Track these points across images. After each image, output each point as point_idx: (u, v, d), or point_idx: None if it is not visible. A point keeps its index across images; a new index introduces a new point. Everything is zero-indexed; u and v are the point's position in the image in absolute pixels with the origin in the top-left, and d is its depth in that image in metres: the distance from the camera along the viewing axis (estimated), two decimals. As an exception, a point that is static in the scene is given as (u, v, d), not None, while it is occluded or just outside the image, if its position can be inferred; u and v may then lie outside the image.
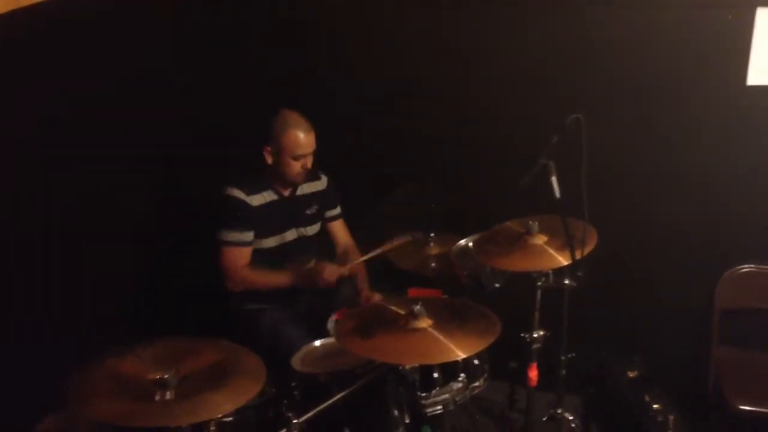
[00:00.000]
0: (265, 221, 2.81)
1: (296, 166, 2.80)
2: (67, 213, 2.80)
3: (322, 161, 2.95)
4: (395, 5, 3.22)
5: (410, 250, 3.08)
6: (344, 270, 2.86)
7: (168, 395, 1.81)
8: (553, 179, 2.28)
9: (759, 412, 2.67)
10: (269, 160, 2.80)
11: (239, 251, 2.77)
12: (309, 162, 2.82)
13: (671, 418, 2.75)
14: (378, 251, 2.92)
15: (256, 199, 2.80)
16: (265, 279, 2.81)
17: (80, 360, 1.90)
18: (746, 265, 3.05)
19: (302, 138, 2.76)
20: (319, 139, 2.85)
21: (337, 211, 3.10)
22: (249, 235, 2.78)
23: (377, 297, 2.90)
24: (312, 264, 2.92)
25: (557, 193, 2.29)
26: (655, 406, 2.84)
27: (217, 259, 2.78)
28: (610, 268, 2.95)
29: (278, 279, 2.81)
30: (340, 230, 3.11)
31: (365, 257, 2.94)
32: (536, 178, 2.27)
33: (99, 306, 2.95)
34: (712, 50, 2.89)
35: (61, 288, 2.76)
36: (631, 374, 3.02)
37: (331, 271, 2.80)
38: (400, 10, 3.22)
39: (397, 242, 2.94)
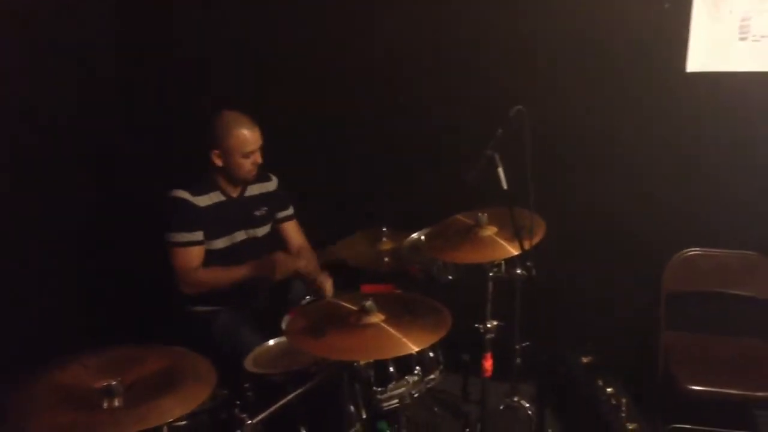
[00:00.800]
0: (212, 222, 2.76)
1: (247, 164, 2.76)
2: (7, 218, 2.73)
3: (272, 162, 2.92)
4: (340, 2, 3.21)
5: (362, 246, 3.08)
6: (300, 262, 2.82)
7: (116, 403, 1.78)
8: (500, 171, 2.29)
9: (708, 391, 2.73)
10: (218, 162, 2.75)
11: (190, 251, 2.72)
12: (258, 157, 2.79)
13: (624, 401, 2.80)
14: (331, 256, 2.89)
15: (203, 200, 2.75)
16: (219, 276, 2.74)
17: (21, 372, 1.85)
18: (692, 249, 3.12)
19: (248, 135, 2.73)
20: (268, 139, 2.82)
21: (290, 211, 3.07)
22: (198, 235, 2.73)
23: (329, 282, 2.88)
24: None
25: (504, 184, 2.31)
26: (608, 390, 2.90)
27: (169, 262, 2.72)
28: (560, 256, 2.98)
29: (233, 274, 2.74)
30: (292, 231, 3.07)
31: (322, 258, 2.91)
32: (483, 170, 2.28)
33: (41, 314, 2.88)
34: (651, 38, 2.94)
35: (4, 295, 2.69)
36: (584, 360, 3.08)
37: (284, 261, 2.75)
38: (345, 7, 3.21)
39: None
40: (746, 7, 2.82)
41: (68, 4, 3.06)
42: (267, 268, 2.73)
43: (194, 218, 2.72)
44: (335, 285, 2.93)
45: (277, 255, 2.77)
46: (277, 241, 3.03)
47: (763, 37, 2.84)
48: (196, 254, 2.74)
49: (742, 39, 2.87)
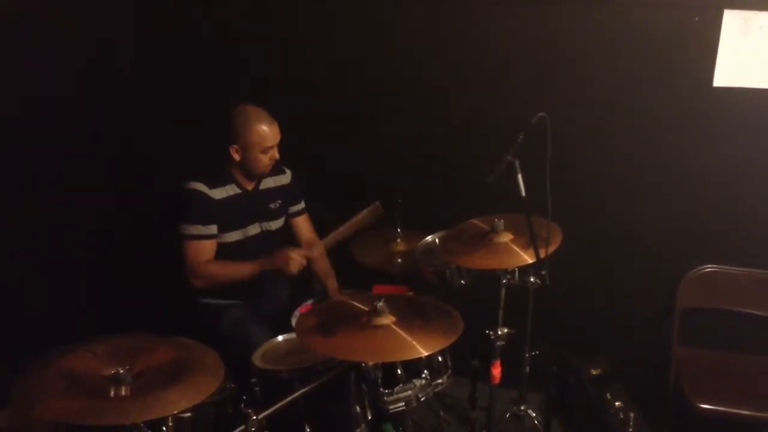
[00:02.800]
0: (227, 215, 2.76)
1: (265, 159, 2.76)
2: (25, 207, 2.75)
3: (289, 158, 2.92)
4: (365, 5, 3.21)
5: (376, 246, 3.07)
6: (312, 253, 2.79)
7: (123, 392, 1.79)
8: (519, 177, 2.29)
9: (718, 410, 2.70)
10: (237, 157, 2.74)
11: (202, 245, 2.72)
12: (276, 153, 2.78)
13: (632, 415, 2.78)
14: (346, 227, 2.80)
15: (218, 193, 2.75)
16: (229, 271, 2.73)
17: (33, 357, 1.86)
18: (708, 266, 3.08)
19: (268, 130, 2.72)
20: (286, 136, 2.81)
21: (301, 206, 3.06)
22: (212, 229, 2.73)
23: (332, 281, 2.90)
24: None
25: (523, 191, 2.30)
26: (616, 403, 2.88)
27: (180, 254, 2.72)
28: (575, 266, 2.96)
29: (243, 269, 2.73)
30: (303, 225, 3.06)
31: (334, 235, 2.82)
32: (502, 175, 2.27)
33: (53, 301, 2.90)
34: (679, 52, 2.91)
35: (18, 283, 2.71)
36: (593, 372, 3.06)
37: (298, 252, 2.73)
38: (370, 10, 3.21)
39: (362, 216, 2.83)
40: (777, 23, 2.79)
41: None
42: (278, 263, 2.71)
43: (209, 211, 2.72)
44: (348, 284, 2.93)
45: (288, 249, 2.76)
46: (291, 236, 3.02)
47: (792, 54, 2.81)
48: (208, 248, 2.74)
49: (772, 56, 2.84)
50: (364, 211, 2.82)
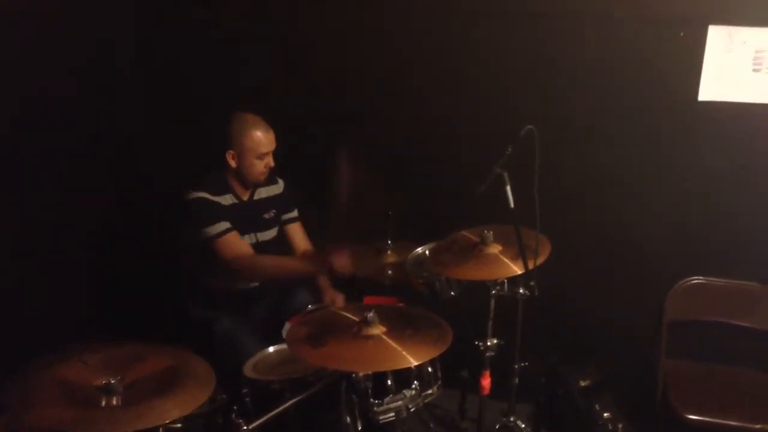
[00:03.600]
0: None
1: (260, 166, 2.80)
2: (22, 208, 2.75)
3: (281, 168, 2.94)
4: (357, 18, 3.23)
5: (367, 257, 3.08)
6: (339, 302, 2.90)
7: (114, 401, 1.79)
8: (508, 189, 2.31)
9: (705, 421, 2.72)
10: (233, 163, 2.78)
11: (231, 238, 2.73)
12: (271, 161, 2.82)
13: (620, 426, 2.79)
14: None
15: (221, 200, 2.79)
16: (275, 261, 2.80)
17: (26, 361, 1.86)
18: (695, 278, 3.11)
19: (263, 137, 2.77)
20: (280, 146, 2.84)
21: (294, 214, 3.09)
22: (227, 224, 2.75)
23: (341, 298, 2.91)
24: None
25: (511, 202, 2.32)
26: (605, 414, 2.88)
27: (216, 257, 2.72)
28: (563, 278, 2.99)
29: (290, 263, 2.83)
30: (297, 233, 3.08)
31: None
32: (491, 187, 2.29)
33: (46, 310, 2.89)
34: (665, 66, 2.95)
35: (13, 286, 2.70)
36: (582, 383, 3.07)
37: (341, 254, 2.74)
38: (361, 24, 3.23)
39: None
40: (760, 39, 2.83)
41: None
42: (322, 260, 2.74)
43: (218, 213, 2.74)
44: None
45: (331, 249, 2.75)
46: (284, 245, 3.04)
47: (776, 69, 2.86)
48: (237, 239, 2.76)
49: (756, 70, 2.88)
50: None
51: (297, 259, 2.79)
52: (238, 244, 2.75)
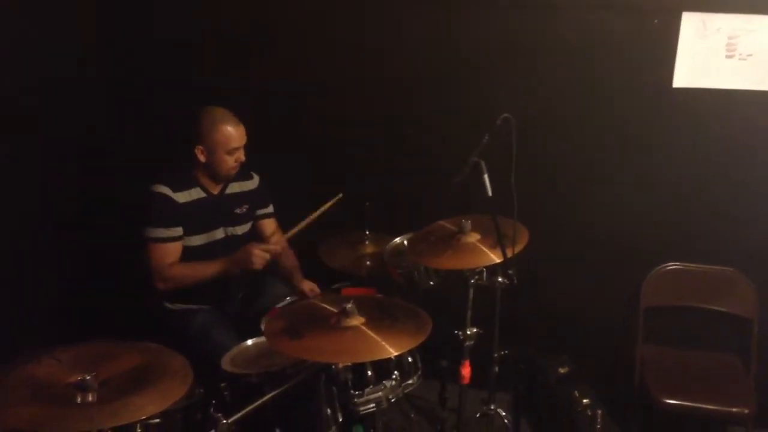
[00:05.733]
0: (192, 219, 2.74)
1: (230, 161, 2.75)
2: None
3: (256, 160, 2.90)
4: (330, 7, 3.21)
5: (344, 249, 3.07)
6: (275, 248, 2.76)
7: (89, 398, 1.76)
8: (485, 178, 2.31)
9: (682, 405, 2.75)
10: (202, 158, 2.73)
11: (166, 247, 2.69)
12: (242, 155, 2.77)
13: (599, 412, 2.81)
14: (310, 218, 2.77)
15: (183, 196, 2.73)
16: (193, 271, 2.70)
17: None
18: (671, 263, 3.14)
19: (233, 131, 2.72)
20: (252, 138, 2.80)
21: (269, 209, 3.05)
22: (177, 231, 2.70)
23: (313, 286, 2.88)
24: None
25: (489, 191, 2.32)
26: (584, 401, 2.91)
27: (144, 257, 2.69)
28: (540, 266, 3.00)
29: (207, 268, 2.70)
30: (270, 228, 3.04)
31: (298, 227, 2.77)
32: (468, 176, 2.28)
33: (17, 308, 2.84)
34: (639, 54, 2.96)
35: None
36: (561, 370, 3.09)
37: (261, 246, 2.70)
38: (335, 12, 3.21)
39: (324, 207, 2.83)
40: (733, 25, 2.85)
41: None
42: (243, 259, 2.69)
43: (173, 214, 2.69)
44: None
45: (250, 245, 2.72)
46: (257, 240, 3.00)
47: (749, 55, 2.88)
48: (172, 250, 2.71)
49: (729, 57, 2.90)
50: (327, 204, 2.81)
51: (216, 263, 2.70)
52: (168, 256, 2.69)
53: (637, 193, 3.11)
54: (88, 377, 1.77)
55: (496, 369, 2.83)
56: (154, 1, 3.40)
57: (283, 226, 3.02)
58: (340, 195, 2.80)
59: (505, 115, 2.27)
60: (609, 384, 3.11)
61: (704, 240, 3.10)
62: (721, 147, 2.98)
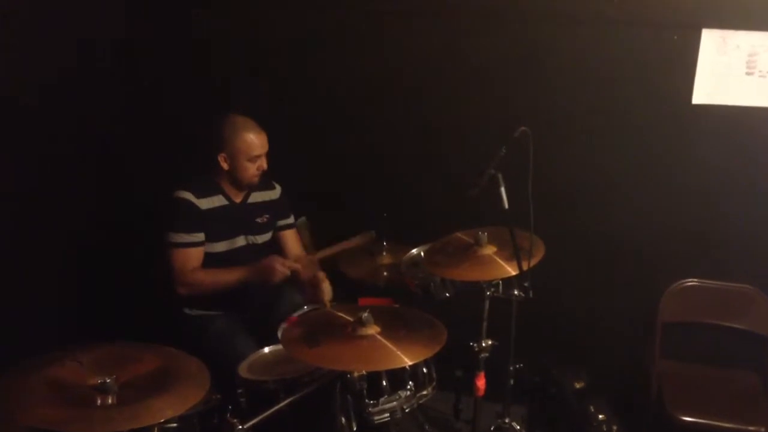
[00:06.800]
0: (214, 225, 2.78)
1: (252, 168, 2.79)
2: (9, 214, 2.75)
3: (277, 171, 2.95)
4: (347, 20, 3.24)
5: (362, 259, 3.09)
6: (297, 266, 2.80)
7: (109, 400, 1.80)
8: (502, 190, 2.32)
9: (698, 422, 2.74)
10: (225, 166, 2.78)
11: (188, 252, 2.73)
12: (264, 163, 2.82)
13: (615, 428, 2.80)
14: (339, 247, 2.86)
15: (206, 203, 2.78)
16: (215, 278, 2.74)
17: (15, 366, 1.87)
18: (689, 280, 3.13)
19: (255, 139, 2.77)
20: (275, 148, 2.85)
21: (290, 220, 3.09)
22: (199, 236, 2.75)
23: (325, 284, 2.87)
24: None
25: (506, 203, 2.33)
26: (600, 416, 2.88)
27: (166, 261, 2.73)
28: (557, 280, 3.00)
29: (229, 276, 2.74)
30: (291, 240, 3.08)
31: (325, 253, 2.87)
32: (485, 188, 2.30)
33: (38, 310, 2.89)
34: (659, 70, 2.96)
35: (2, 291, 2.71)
36: (577, 385, 3.07)
37: (282, 263, 2.74)
38: (353, 24, 3.25)
39: (354, 240, 2.89)
40: (753, 42, 2.85)
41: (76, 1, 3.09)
42: (264, 271, 2.73)
43: (196, 220, 2.74)
44: (334, 297, 2.94)
45: (274, 258, 2.77)
46: (277, 249, 3.04)
47: (769, 72, 2.88)
48: (194, 255, 2.75)
49: (749, 74, 2.90)
50: (357, 237, 2.87)
51: (237, 270, 2.74)
52: (190, 261, 2.73)
53: (655, 209, 3.11)
54: (109, 380, 1.81)
55: (512, 382, 2.84)
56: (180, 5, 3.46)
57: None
58: (372, 233, 2.90)
59: (523, 127, 2.29)
60: (625, 399, 3.09)
61: (723, 256, 3.08)
62: (739, 163, 2.97)
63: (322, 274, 2.88)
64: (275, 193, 3.03)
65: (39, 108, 2.94)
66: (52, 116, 3.04)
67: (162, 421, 1.81)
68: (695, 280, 3.13)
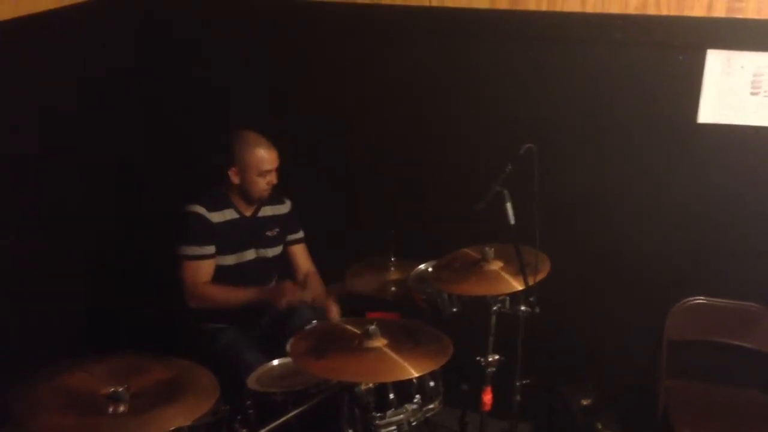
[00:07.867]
0: (224, 238, 2.84)
1: (262, 183, 2.85)
2: (22, 225, 2.79)
3: (285, 186, 2.99)
4: (358, 36, 3.29)
5: (370, 275, 3.12)
6: (306, 295, 2.88)
7: (121, 409, 1.82)
8: (508, 206, 2.35)
9: (705, 440, 2.74)
10: (236, 180, 2.84)
11: (199, 265, 2.79)
12: (274, 178, 2.88)
13: (621, 445, 2.81)
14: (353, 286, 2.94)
15: (217, 216, 2.83)
16: (225, 294, 2.80)
17: (28, 374, 1.90)
18: (696, 298, 3.13)
19: (266, 154, 2.83)
20: (283, 164, 2.89)
21: (299, 235, 3.13)
22: (210, 249, 2.80)
23: (334, 307, 2.95)
24: (274, 283, 2.94)
25: (512, 219, 2.36)
26: (606, 433, 2.90)
27: (178, 274, 2.78)
28: (564, 296, 3.01)
29: (239, 295, 2.81)
30: (301, 255, 3.13)
31: (340, 288, 2.97)
32: (491, 204, 2.33)
33: (51, 320, 2.92)
34: (664, 89, 2.98)
35: (14, 301, 2.74)
36: (584, 401, 3.08)
37: (293, 292, 2.81)
38: (362, 39, 3.29)
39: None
40: (758, 63, 2.88)
41: (90, 17, 3.14)
42: (274, 294, 2.81)
43: (207, 233, 2.80)
44: (343, 312, 2.98)
45: (286, 284, 2.84)
46: (286, 263, 3.08)
47: (774, 92, 2.91)
48: (205, 268, 2.80)
49: (754, 94, 2.93)
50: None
51: (247, 290, 2.82)
52: (201, 275, 2.79)
53: (661, 227, 3.12)
54: (121, 389, 1.84)
55: (518, 398, 2.85)
56: (193, 26, 3.51)
57: (312, 252, 3.11)
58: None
59: (528, 144, 2.32)
60: (632, 417, 3.09)
61: (728, 275, 3.09)
62: (745, 182, 2.99)
63: (331, 297, 2.95)
64: (285, 207, 3.08)
65: (55, 121, 2.98)
66: (69, 129, 3.09)
67: (172, 429, 1.84)
68: (702, 298, 3.13)
